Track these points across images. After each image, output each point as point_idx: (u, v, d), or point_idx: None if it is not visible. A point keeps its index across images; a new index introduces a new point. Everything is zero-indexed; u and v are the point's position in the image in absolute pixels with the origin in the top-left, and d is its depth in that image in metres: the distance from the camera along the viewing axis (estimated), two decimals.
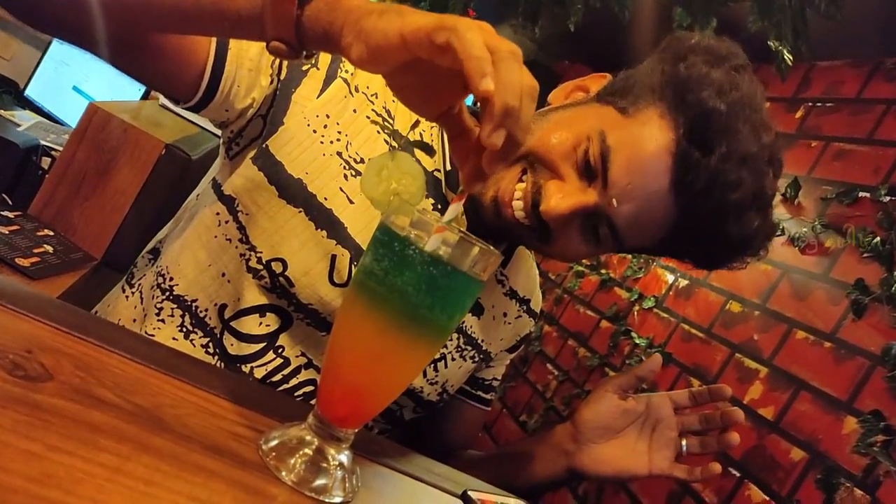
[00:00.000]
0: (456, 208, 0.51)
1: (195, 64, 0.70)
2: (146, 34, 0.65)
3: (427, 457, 0.71)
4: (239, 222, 0.77)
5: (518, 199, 0.76)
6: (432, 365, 0.88)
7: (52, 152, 1.80)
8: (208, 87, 0.71)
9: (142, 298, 0.84)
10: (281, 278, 0.76)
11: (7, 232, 1.53)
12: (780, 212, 2.16)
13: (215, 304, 0.78)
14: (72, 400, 0.43)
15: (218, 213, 0.78)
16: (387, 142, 0.76)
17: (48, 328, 0.51)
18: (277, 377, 0.79)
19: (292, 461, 0.51)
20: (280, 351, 0.79)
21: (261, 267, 0.76)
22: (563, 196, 0.74)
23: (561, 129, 0.77)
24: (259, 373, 0.78)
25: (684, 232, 0.76)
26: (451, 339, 0.89)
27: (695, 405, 0.89)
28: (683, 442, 0.87)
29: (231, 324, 0.78)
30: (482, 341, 0.94)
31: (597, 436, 0.87)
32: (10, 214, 1.62)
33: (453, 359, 0.91)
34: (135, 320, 0.84)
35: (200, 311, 0.79)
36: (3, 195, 1.70)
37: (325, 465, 0.52)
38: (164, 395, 0.52)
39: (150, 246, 0.91)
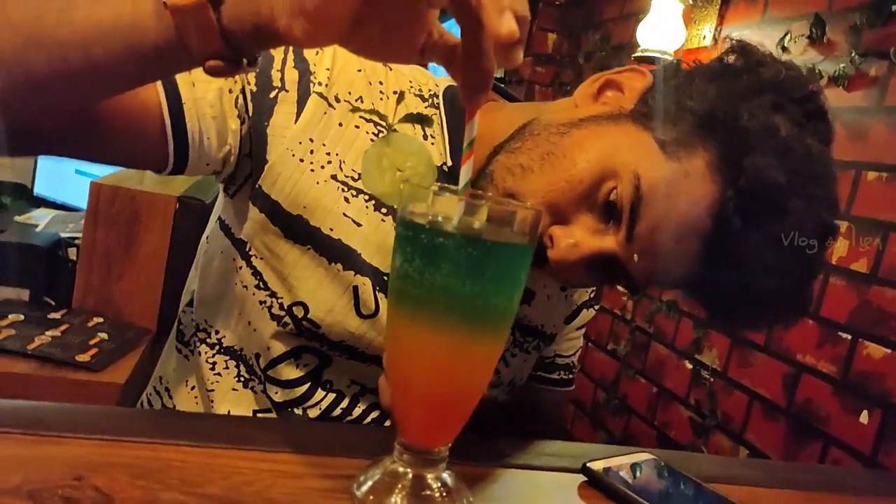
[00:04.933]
0: (468, 169, 0.44)
1: (151, 130, 0.63)
2: (77, 115, 0.58)
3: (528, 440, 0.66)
4: (253, 267, 0.72)
5: None
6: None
7: (76, 241, 1.79)
8: (177, 150, 0.64)
9: (195, 353, 0.80)
10: (305, 322, 0.70)
11: (59, 333, 1.53)
12: (811, 56, 2.01)
13: (254, 354, 0.74)
14: None
15: (234, 259, 0.74)
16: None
17: (93, 442, 0.47)
18: (337, 412, 0.75)
19: (392, 499, 0.46)
20: (329, 386, 0.74)
21: (283, 313, 0.71)
22: (575, 243, 0.63)
23: (581, 155, 0.64)
24: (313, 413, 0.74)
25: (708, 294, 0.68)
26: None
27: None
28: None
29: (269, 373, 0.74)
30: (542, 326, 0.86)
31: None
32: (57, 315, 1.62)
33: (513, 355, 0.84)
34: (188, 381, 0.81)
35: (249, 360, 0.75)
36: (44, 298, 1.71)
37: (428, 492, 0.47)
38: (237, 472, 0.47)
39: (185, 298, 0.87)
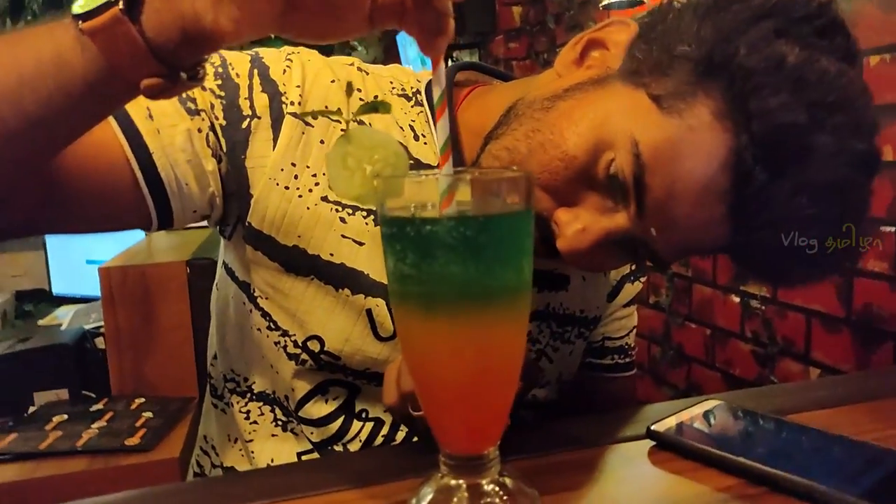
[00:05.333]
0: (444, 126, 0.40)
1: (124, 188, 0.59)
2: (33, 180, 0.55)
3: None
4: (261, 309, 0.68)
5: None
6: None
7: (100, 330, 1.79)
8: (157, 204, 0.61)
9: (229, 405, 0.78)
10: (323, 356, 0.67)
11: (105, 423, 1.53)
12: None
13: (284, 396, 0.71)
14: None
15: (244, 303, 0.71)
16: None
17: None
18: (379, 440, 0.71)
19: None
20: (364, 415, 0.70)
21: (299, 350, 0.67)
22: (582, 229, 0.57)
23: (570, 129, 0.57)
24: (354, 446, 0.70)
25: (748, 258, 0.60)
26: (541, 333, 0.76)
27: None
28: None
29: (299, 414, 0.70)
30: (582, 311, 0.79)
31: None
32: (99, 405, 1.62)
33: (555, 349, 0.77)
34: (230, 436, 0.78)
35: (282, 401, 0.72)
36: (83, 392, 1.71)
37: (487, 500, 0.43)
38: None
39: (210, 352, 0.84)
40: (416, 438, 0.68)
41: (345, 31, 0.41)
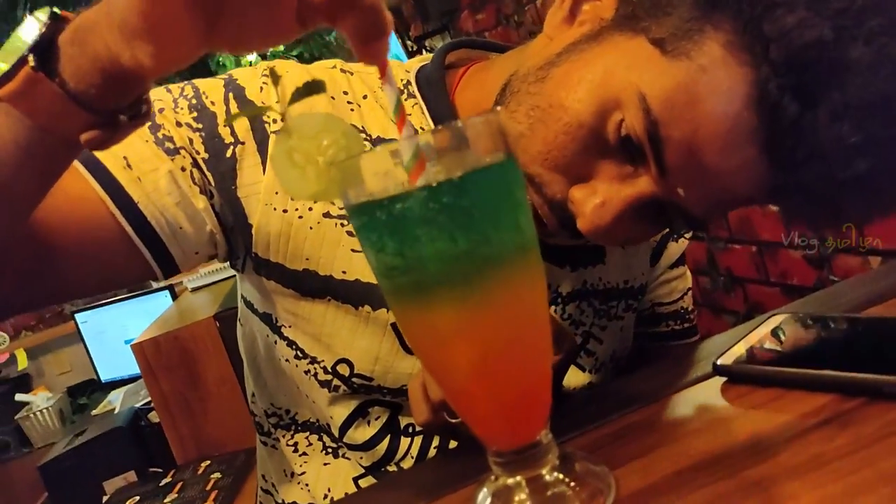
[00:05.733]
0: (410, 139, 0.35)
1: (116, 245, 0.56)
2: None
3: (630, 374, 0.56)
4: (286, 338, 0.65)
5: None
6: (581, 353, 0.69)
7: (150, 405, 1.79)
8: (155, 253, 0.58)
9: (277, 441, 0.75)
10: (355, 379, 0.63)
11: (177, 495, 1.52)
12: None
13: (326, 424, 0.67)
14: None
15: (267, 335, 0.67)
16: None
17: None
18: (431, 452, 0.66)
19: None
20: (411, 430, 0.66)
21: (330, 377, 0.63)
22: (601, 203, 0.51)
23: (570, 96, 0.51)
24: (407, 464, 0.66)
25: (789, 201, 0.53)
26: (583, 314, 0.69)
27: None
28: None
29: (344, 441, 0.67)
30: (625, 283, 0.73)
31: None
32: (168, 478, 1.62)
33: (603, 328, 0.71)
34: (285, 471, 0.75)
35: (327, 427, 0.69)
36: (150, 470, 1.70)
37: (550, 492, 0.38)
38: None
39: (249, 390, 0.81)
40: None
41: (276, 35, 0.37)
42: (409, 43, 3.61)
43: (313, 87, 0.36)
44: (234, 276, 0.72)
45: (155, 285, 2.45)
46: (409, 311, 0.37)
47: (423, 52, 3.60)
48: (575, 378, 0.69)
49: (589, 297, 0.69)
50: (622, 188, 0.51)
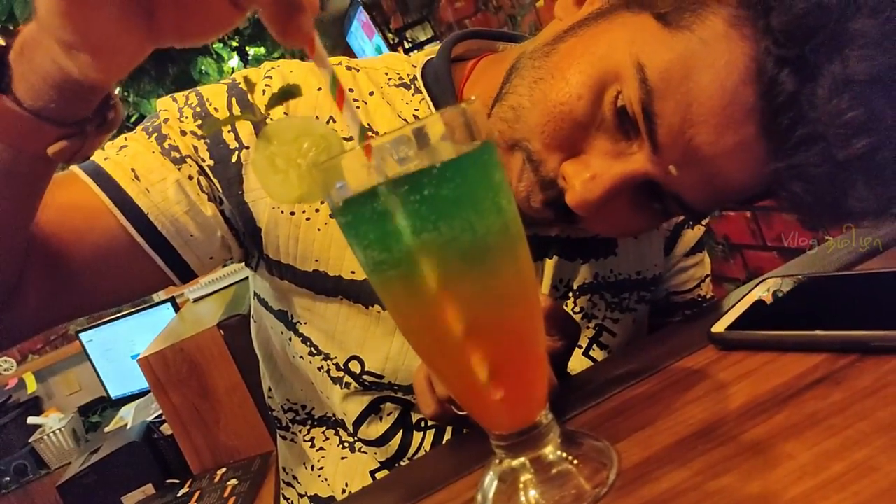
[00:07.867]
0: (351, 116, 0.35)
1: (130, 257, 0.57)
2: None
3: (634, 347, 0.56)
4: (301, 335, 0.66)
5: (527, 195, 0.55)
6: (594, 346, 0.68)
7: (162, 417, 1.80)
8: (169, 261, 0.59)
9: (295, 436, 0.77)
10: (366, 376, 0.64)
11: None
12: None
13: (340, 420, 0.68)
14: None
15: (282, 332, 0.69)
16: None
17: None
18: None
19: (524, 497, 0.38)
20: (423, 424, 0.67)
21: (341, 373, 0.64)
22: (592, 176, 0.50)
23: (572, 68, 0.51)
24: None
25: (789, 191, 0.49)
26: (595, 307, 0.69)
27: None
28: None
29: (359, 437, 0.68)
30: (638, 274, 0.71)
31: None
32: (185, 488, 1.62)
33: (615, 321, 0.70)
34: (305, 464, 0.76)
35: (342, 423, 0.70)
36: (168, 481, 1.72)
37: (554, 470, 0.38)
38: None
39: (265, 385, 0.82)
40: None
41: (216, 23, 0.36)
42: (389, 35, 3.60)
43: (287, 93, 0.36)
44: (235, 284, 0.73)
45: (156, 298, 2.46)
46: (400, 303, 0.37)
47: (405, 43, 3.59)
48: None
49: (600, 289, 0.69)
50: (614, 164, 0.51)
